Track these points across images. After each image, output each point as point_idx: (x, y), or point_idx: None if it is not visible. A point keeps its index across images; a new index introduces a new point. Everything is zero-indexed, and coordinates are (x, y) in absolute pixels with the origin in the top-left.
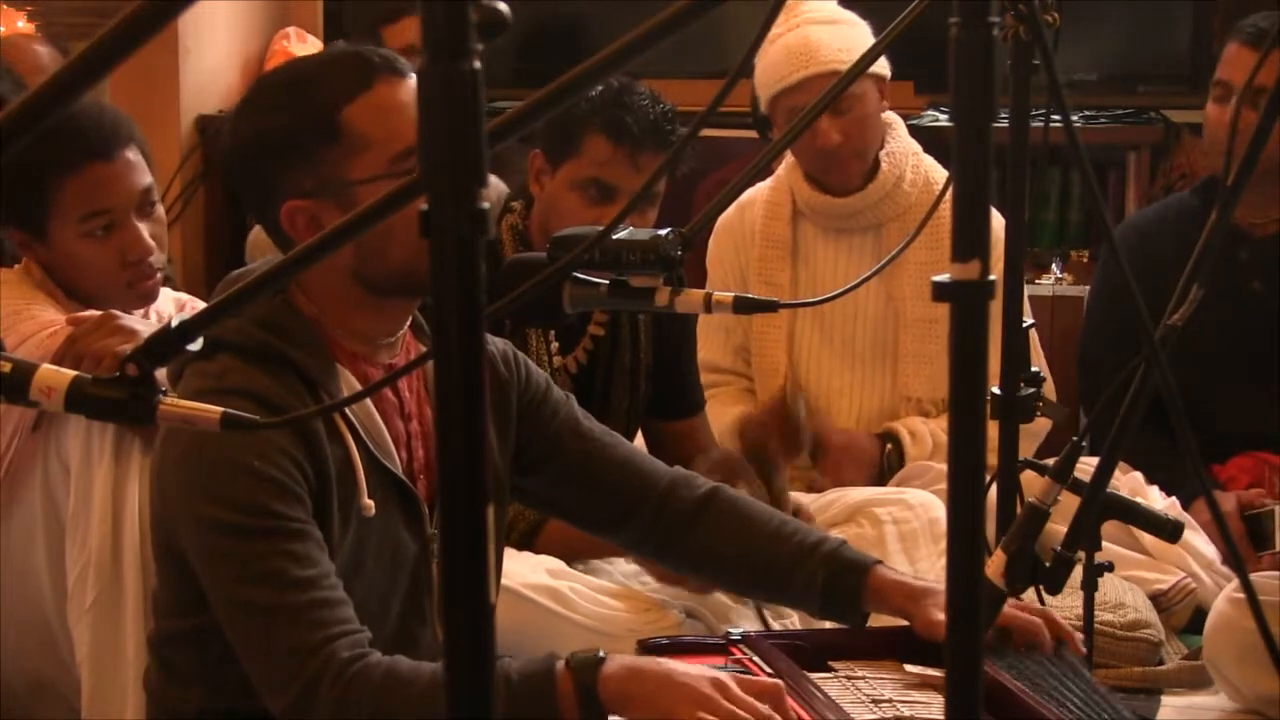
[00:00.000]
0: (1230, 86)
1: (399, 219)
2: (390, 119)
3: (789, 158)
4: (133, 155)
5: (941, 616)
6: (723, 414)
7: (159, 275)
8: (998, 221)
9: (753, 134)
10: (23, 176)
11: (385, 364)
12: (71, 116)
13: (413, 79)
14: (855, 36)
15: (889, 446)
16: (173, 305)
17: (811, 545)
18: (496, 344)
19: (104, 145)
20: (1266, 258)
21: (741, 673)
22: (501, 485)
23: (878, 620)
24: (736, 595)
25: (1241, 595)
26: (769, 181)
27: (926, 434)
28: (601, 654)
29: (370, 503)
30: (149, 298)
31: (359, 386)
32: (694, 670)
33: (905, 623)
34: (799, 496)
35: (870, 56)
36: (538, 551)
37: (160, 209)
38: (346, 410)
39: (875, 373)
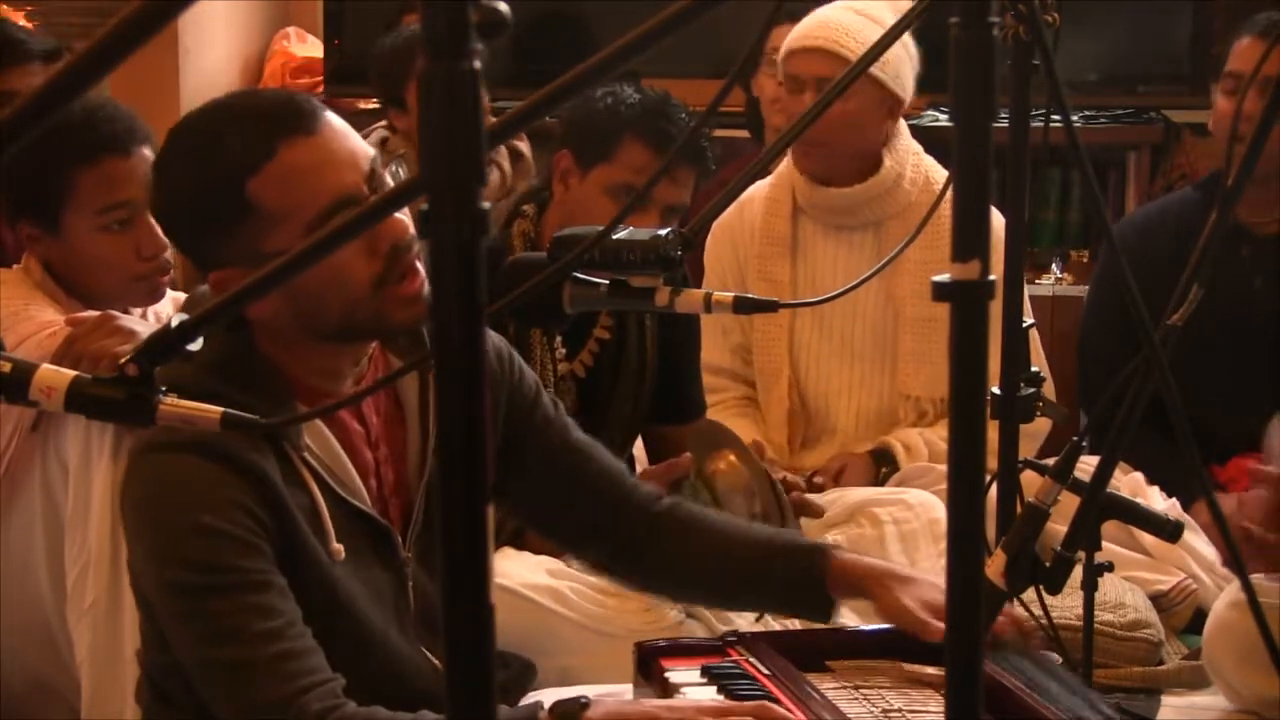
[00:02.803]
0: (1241, 78)
1: (328, 271)
2: (298, 187)
3: (791, 154)
4: (149, 153)
5: (907, 600)
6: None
7: (169, 274)
8: (998, 221)
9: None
10: (40, 167)
11: (349, 393)
12: (90, 112)
13: (324, 131)
14: (872, 33)
15: (883, 470)
16: (170, 305)
17: (767, 537)
18: (492, 339)
19: (121, 141)
20: (1268, 256)
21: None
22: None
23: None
24: (706, 606)
25: (1241, 597)
26: (769, 179)
27: (921, 444)
28: (585, 699)
29: (339, 547)
30: (157, 295)
31: (320, 427)
32: (679, 704)
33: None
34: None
35: (871, 56)
36: (530, 549)
37: None
38: (306, 454)
39: (874, 371)
